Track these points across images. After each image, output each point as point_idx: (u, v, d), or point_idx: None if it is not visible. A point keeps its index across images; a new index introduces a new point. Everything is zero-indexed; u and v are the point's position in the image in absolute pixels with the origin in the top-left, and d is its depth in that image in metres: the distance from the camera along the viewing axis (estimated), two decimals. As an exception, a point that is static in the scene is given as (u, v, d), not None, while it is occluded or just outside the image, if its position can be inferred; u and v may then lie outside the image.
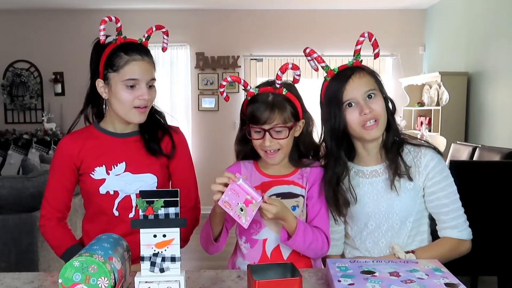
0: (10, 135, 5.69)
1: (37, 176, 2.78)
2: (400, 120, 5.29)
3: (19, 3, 5.51)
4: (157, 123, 1.55)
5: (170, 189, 1.07)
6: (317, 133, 1.47)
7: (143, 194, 1.03)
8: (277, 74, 1.34)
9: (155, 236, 1.03)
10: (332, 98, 1.38)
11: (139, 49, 1.42)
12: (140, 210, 1.03)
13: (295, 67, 1.36)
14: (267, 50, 5.84)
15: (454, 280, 1.09)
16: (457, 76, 4.62)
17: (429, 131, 4.83)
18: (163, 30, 1.52)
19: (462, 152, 3.91)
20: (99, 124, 1.52)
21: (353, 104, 1.36)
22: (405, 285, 1.06)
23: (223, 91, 1.43)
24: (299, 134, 1.43)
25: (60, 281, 1.01)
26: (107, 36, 1.44)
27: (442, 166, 1.39)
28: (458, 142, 4.25)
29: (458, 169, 2.61)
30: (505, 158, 3.22)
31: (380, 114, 1.36)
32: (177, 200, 1.04)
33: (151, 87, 1.44)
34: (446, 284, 1.06)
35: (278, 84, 1.35)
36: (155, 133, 1.52)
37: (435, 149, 1.41)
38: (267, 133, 1.34)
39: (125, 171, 1.46)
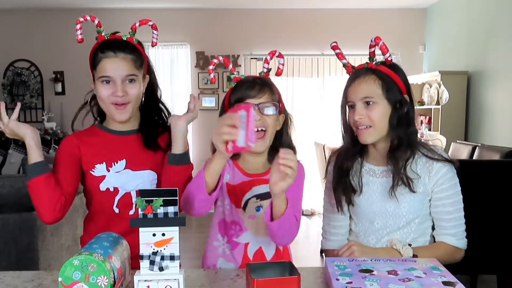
0: (11, 134, 5.69)
1: (38, 175, 2.78)
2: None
3: (20, 2, 5.52)
4: (159, 120, 1.54)
5: (169, 188, 1.06)
6: (294, 134, 1.46)
7: (142, 193, 1.03)
8: (265, 58, 1.39)
9: (154, 235, 1.03)
10: (342, 96, 1.43)
11: (114, 46, 1.41)
12: (139, 209, 1.03)
13: (281, 56, 1.40)
14: (268, 49, 5.75)
15: (452, 278, 1.09)
16: (457, 75, 4.63)
17: (429, 130, 4.83)
18: (150, 23, 1.51)
19: (462, 151, 3.91)
20: (101, 123, 1.54)
21: (352, 106, 1.39)
22: (403, 284, 1.06)
23: (212, 69, 1.48)
24: (279, 133, 1.40)
25: (59, 279, 1.02)
26: (116, 33, 1.47)
27: (452, 174, 1.39)
28: (458, 141, 4.26)
29: (458, 168, 2.61)
30: (505, 157, 3.22)
31: (375, 122, 1.35)
32: (176, 199, 1.04)
33: (132, 81, 1.42)
34: (443, 283, 1.07)
35: (265, 68, 1.39)
36: (154, 130, 1.51)
37: (450, 161, 1.40)
38: (256, 108, 1.28)
39: (125, 168, 1.46)
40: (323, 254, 1.52)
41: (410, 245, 1.36)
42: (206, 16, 5.82)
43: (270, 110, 1.33)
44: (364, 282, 1.07)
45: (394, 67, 1.40)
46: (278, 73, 1.43)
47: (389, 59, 1.36)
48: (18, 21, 5.83)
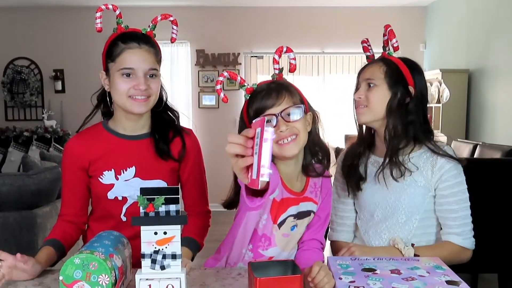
0: (11, 132, 5.69)
1: (38, 173, 2.78)
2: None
3: (20, 0, 5.50)
4: (169, 122, 1.49)
5: (171, 186, 1.05)
6: (323, 134, 1.37)
7: (144, 191, 1.03)
8: (273, 58, 1.27)
9: (155, 233, 1.02)
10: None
11: (137, 38, 1.35)
12: (140, 208, 1.02)
13: (289, 50, 1.29)
14: (268, 47, 5.82)
15: (455, 277, 1.09)
16: (457, 74, 4.62)
17: (430, 128, 4.82)
18: (171, 19, 1.45)
19: (463, 150, 3.90)
20: (108, 123, 1.46)
21: (358, 87, 1.46)
22: (406, 283, 1.06)
23: (220, 89, 1.30)
24: (310, 134, 1.31)
25: (60, 278, 1.01)
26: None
27: (457, 172, 1.39)
28: (459, 139, 4.25)
29: (464, 166, 2.60)
30: (506, 156, 3.21)
31: (370, 102, 1.41)
32: (178, 197, 1.03)
33: (152, 76, 1.37)
34: (447, 282, 1.06)
35: (276, 69, 1.28)
36: (166, 134, 1.45)
37: (456, 159, 1.39)
38: (279, 117, 1.20)
39: (134, 176, 1.41)
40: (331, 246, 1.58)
41: (413, 245, 1.35)
42: (207, 14, 5.81)
43: (296, 115, 1.22)
44: (367, 281, 1.07)
45: (410, 63, 1.44)
46: (292, 70, 1.32)
47: (395, 45, 1.45)
48: (18, 19, 5.81)
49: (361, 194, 1.46)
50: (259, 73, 5.81)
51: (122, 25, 1.38)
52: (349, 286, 1.04)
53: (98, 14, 1.38)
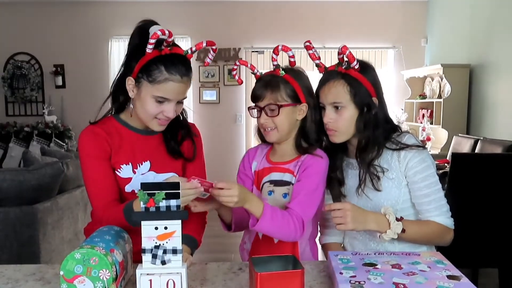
0: (11, 127, 5.69)
1: (38, 169, 2.77)
2: (401, 112, 5.28)
3: (19, -5, 5.49)
4: (180, 122, 1.50)
5: (171, 181, 1.06)
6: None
7: (144, 186, 1.03)
8: (272, 56, 1.46)
9: (156, 228, 1.03)
10: (315, 96, 1.48)
11: (181, 68, 1.35)
12: (141, 203, 1.02)
13: (285, 49, 1.44)
14: (268, 42, 5.80)
15: (456, 272, 1.09)
16: (459, 69, 4.61)
17: (431, 123, 4.82)
18: (213, 47, 1.47)
19: (464, 145, 3.90)
20: (120, 116, 1.46)
21: (324, 108, 1.44)
22: (407, 277, 1.06)
23: (235, 74, 1.60)
24: (305, 120, 1.45)
25: (61, 273, 1.01)
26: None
27: (421, 157, 1.39)
28: (459, 134, 4.25)
29: (460, 161, 2.60)
30: (507, 151, 3.21)
31: (342, 126, 1.41)
32: (179, 192, 1.04)
33: (179, 102, 1.39)
34: (448, 277, 1.06)
35: (274, 65, 1.47)
36: (176, 133, 1.48)
37: (418, 146, 1.40)
38: (262, 110, 1.43)
39: (149, 170, 1.43)
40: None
41: (402, 218, 1.35)
42: (207, 9, 5.79)
43: (274, 112, 1.41)
44: (368, 276, 1.07)
45: (364, 69, 1.41)
46: (292, 65, 1.51)
47: (356, 67, 1.38)
48: (18, 14, 5.80)
49: (344, 200, 1.47)
50: (260, 68, 5.74)
51: (168, 48, 1.35)
52: (350, 281, 1.04)
53: (153, 41, 1.30)
